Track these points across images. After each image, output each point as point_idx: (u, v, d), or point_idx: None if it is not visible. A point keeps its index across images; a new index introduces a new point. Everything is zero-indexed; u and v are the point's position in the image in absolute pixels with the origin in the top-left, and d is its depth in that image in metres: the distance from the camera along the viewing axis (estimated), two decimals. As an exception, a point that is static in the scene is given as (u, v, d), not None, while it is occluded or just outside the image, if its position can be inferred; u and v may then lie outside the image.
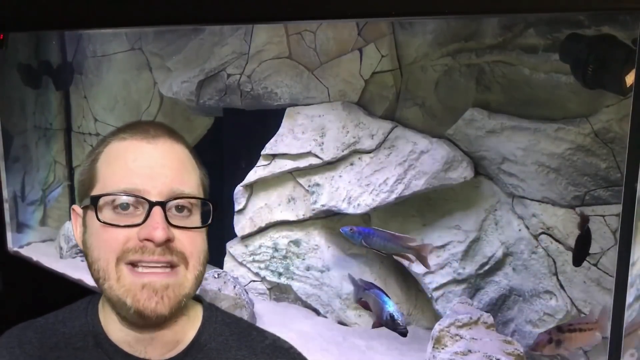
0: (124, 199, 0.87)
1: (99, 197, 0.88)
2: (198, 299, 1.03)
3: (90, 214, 0.90)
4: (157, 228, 0.84)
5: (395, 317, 1.91)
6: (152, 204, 0.86)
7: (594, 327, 1.71)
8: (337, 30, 2.41)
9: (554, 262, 2.05)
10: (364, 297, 2.07)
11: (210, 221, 0.93)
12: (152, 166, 0.89)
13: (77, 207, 0.96)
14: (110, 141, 0.93)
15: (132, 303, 0.85)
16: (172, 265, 0.87)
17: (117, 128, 0.96)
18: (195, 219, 0.91)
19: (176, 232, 0.87)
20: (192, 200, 0.90)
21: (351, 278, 2.21)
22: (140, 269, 0.86)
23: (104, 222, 0.87)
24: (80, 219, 0.94)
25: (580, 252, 1.85)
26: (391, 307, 1.93)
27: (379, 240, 1.97)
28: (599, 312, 1.79)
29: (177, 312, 0.89)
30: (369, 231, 1.99)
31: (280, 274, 2.60)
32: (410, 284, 2.43)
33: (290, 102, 2.56)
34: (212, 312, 1.02)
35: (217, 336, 0.99)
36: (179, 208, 0.89)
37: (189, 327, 0.98)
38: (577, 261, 1.90)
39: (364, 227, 2.09)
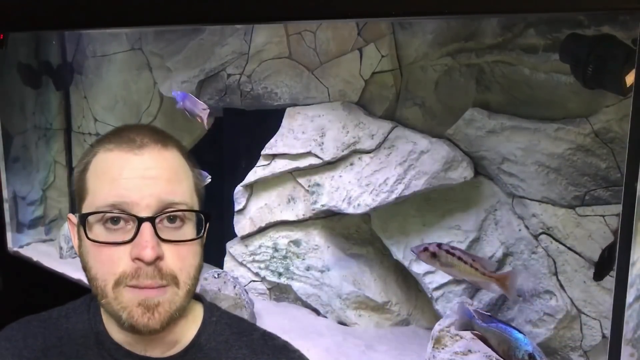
0: (113, 215, 0.86)
1: (87, 215, 0.88)
2: (199, 298, 1.04)
3: (82, 230, 0.89)
4: (146, 247, 0.83)
5: (537, 357, 1.61)
6: (140, 220, 0.84)
7: (480, 270, 1.74)
8: (337, 30, 2.41)
9: (554, 262, 2.04)
10: (482, 331, 1.76)
11: (202, 233, 0.91)
12: (139, 178, 0.86)
13: (72, 217, 0.96)
14: (97, 151, 0.91)
15: (127, 318, 0.86)
16: (163, 285, 0.87)
17: (105, 135, 0.94)
18: (188, 229, 0.89)
19: (166, 248, 0.86)
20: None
21: (462, 307, 1.89)
22: (137, 287, 0.86)
23: (94, 241, 0.87)
24: (76, 229, 0.94)
25: (607, 264, 1.81)
26: (528, 345, 1.65)
27: (189, 104, 2.49)
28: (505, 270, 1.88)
29: (170, 324, 0.89)
30: (185, 95, 2.52)
31: (280, 274, 2.60)
32: (410, 284, 2.43)
33: (290, 102, 2.56)
34: (213, 312, 1.03)
35: (217, 336, 0.99)
36: (171, 218, 0.87)
37: (189, 326, 0.99)
38: (600, 275, 1.85)
39: (186, 93, 2.56)
